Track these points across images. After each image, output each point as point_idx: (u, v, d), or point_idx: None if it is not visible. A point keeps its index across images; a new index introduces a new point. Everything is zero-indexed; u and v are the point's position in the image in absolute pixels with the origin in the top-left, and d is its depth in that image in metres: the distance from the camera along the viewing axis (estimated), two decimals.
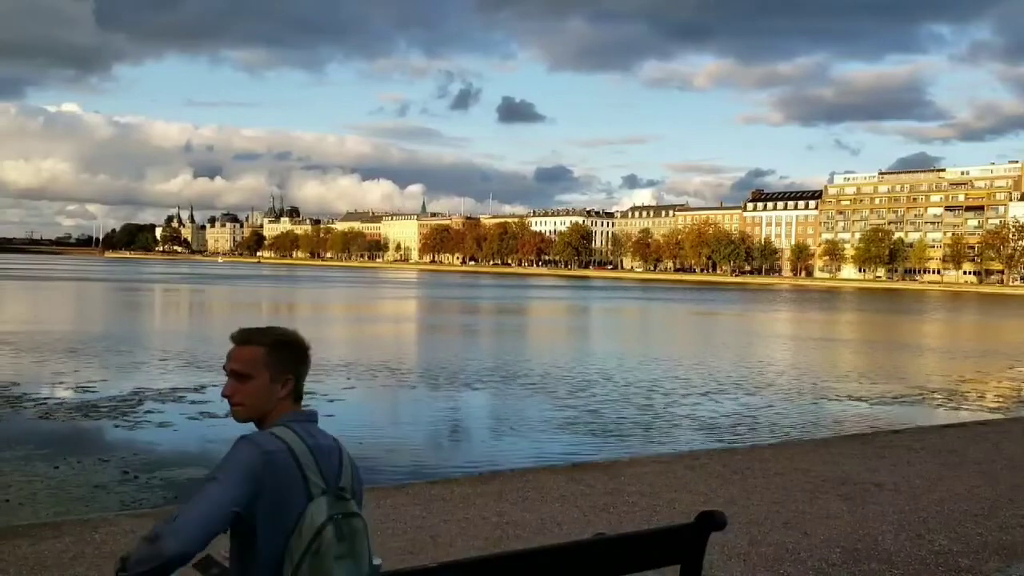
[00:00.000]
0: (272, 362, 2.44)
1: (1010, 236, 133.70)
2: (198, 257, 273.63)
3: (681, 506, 7.34)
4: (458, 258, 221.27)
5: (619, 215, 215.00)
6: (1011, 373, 24.01)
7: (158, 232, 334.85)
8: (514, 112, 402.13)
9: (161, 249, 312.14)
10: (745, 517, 7.00)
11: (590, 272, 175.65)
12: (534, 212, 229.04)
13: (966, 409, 17.02)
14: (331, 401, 15.65)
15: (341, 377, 18.82)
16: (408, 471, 10.14)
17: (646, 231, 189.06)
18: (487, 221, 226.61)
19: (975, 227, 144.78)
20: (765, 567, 5.77)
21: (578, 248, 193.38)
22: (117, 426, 12.89)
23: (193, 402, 15.18)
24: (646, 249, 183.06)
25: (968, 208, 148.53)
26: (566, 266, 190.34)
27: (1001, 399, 19.00)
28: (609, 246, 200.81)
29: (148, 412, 14.13)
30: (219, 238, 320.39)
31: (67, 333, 28.55)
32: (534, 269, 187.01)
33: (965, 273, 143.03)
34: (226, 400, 2.45)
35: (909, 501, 7.60)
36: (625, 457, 10.18)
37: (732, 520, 7.00)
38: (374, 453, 11.51)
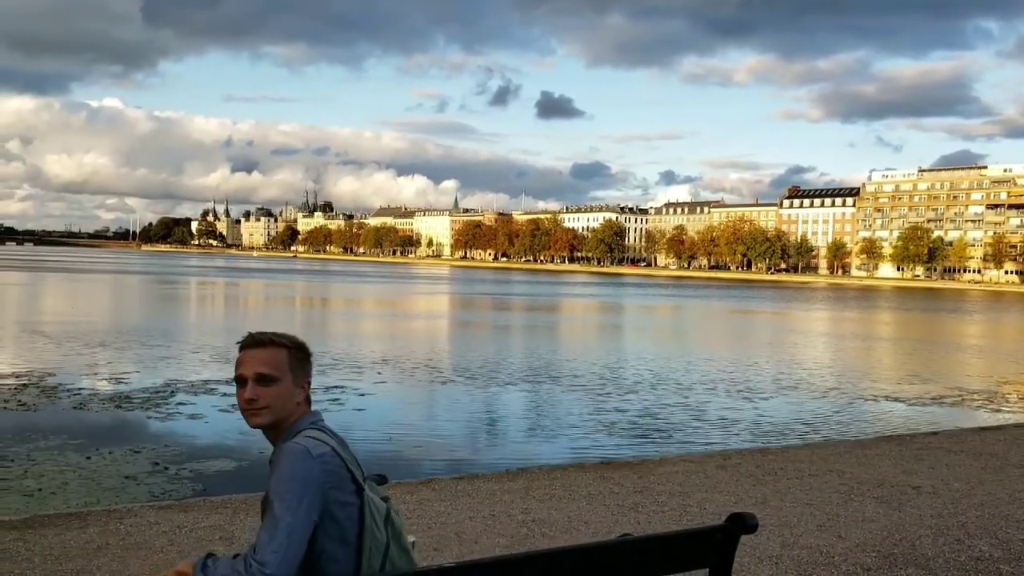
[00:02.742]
0: (294, 364, 2.44)
1: None
2: (233, 251, 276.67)
3: (712, 507, 7.20)
4: (490, 254, 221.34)
5: (653, 212, 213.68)
6: None
7: (194, 226, 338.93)
8: (553, 108, 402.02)
9: (197, 243, 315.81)
10: (777, 519, 6.84)
11: (623, 269, 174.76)
12: (567, 208, 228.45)
13: (1007, 411, 16.60)
14: (362, 395, 15.69)
15: (373, 372, 18.85)
16: (434, 466, 10.09)
17: (680, 228, 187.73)
18: (519, 217, 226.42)
19: (1017, 226, 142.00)
20: (797, 571, 5.61)
21: (611, 245, 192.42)
22: (149, 417, 12.98)
23: (225, 395, 15.24)
24: (680, 246, 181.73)
25: (1011, 206, 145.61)
26: (599, 263, 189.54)
27: None
28: (642, 243, 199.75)
29: (180, 404, 14.24)
30: (253, 232, 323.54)
31: (102, 325, 28.92)
32: (566, 266, 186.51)
33: (1006, 273, 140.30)
34: (247, 405, 2.39)
35: (948, 505, 7.38)
36: (655, 456, 10.03)
37: (764, 522, 6.85)
38: (402, 447, 11.49)
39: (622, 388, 17.53)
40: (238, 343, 2.47)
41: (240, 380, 2.40)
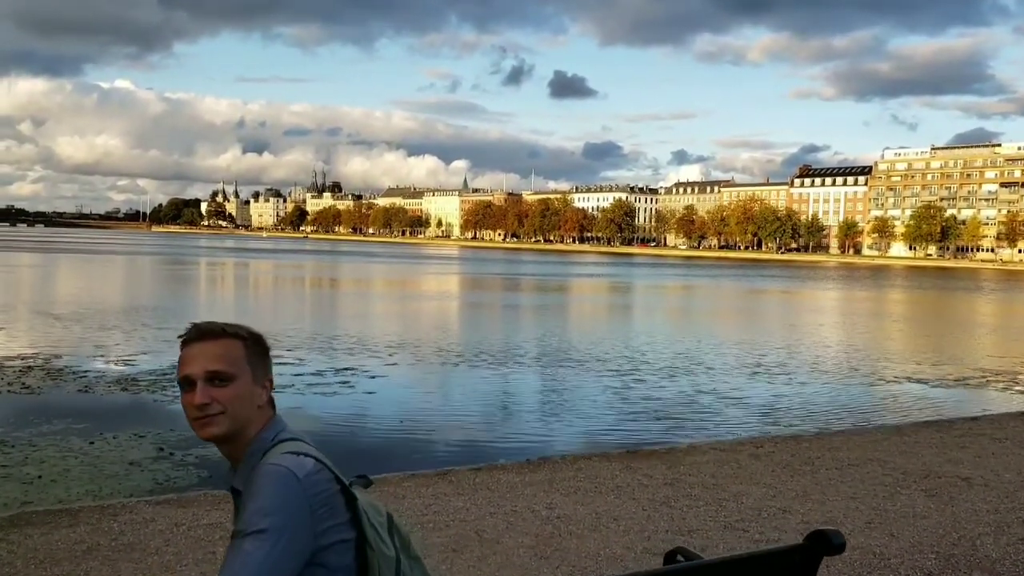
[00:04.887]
0: (253, 359, 1.95)
1: None
2: (242, 232, 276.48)
3: (749, 500, 6.70)
4: (499, 235, 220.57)
5: (663, 191, 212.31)
6: None
7: (203, 207, 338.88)
8: (566, 87, 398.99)
9: (206, 224, 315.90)
10: (821, 515, 6.34)
11: (633, 249, 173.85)
12: (576, 188, 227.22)
13: None
14: (373, 378, 15.28)
15: (385, 353, 18.42)
16: (450, 454, 9.60)
17: (690, 208, 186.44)
18: (529, 197, 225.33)
19: None
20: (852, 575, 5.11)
21: (621, 225, 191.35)
22: (156, 401, 12.63)
23: None
24: (690, 226, 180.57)
25: None
26: (609, 243, 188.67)
27: None
28: (652, 223, 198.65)
29: None
30: (263, 213, 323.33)
31: (111, 307, 28.55)
32: (576, 246, 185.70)
33: (1020, 251, 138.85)
34: (199, 411, 1.89)
35: (1004, 499, 6.86)
36: (683, 443, 9.50)
37: (807, 519, 6.35)
38: (416, 435, 11.03)
39: (641, 370, 17.02)
40: (180, 337, 1.96)
41: (186, 382, 1.90)
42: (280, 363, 16.63)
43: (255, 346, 1.97)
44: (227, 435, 1.91)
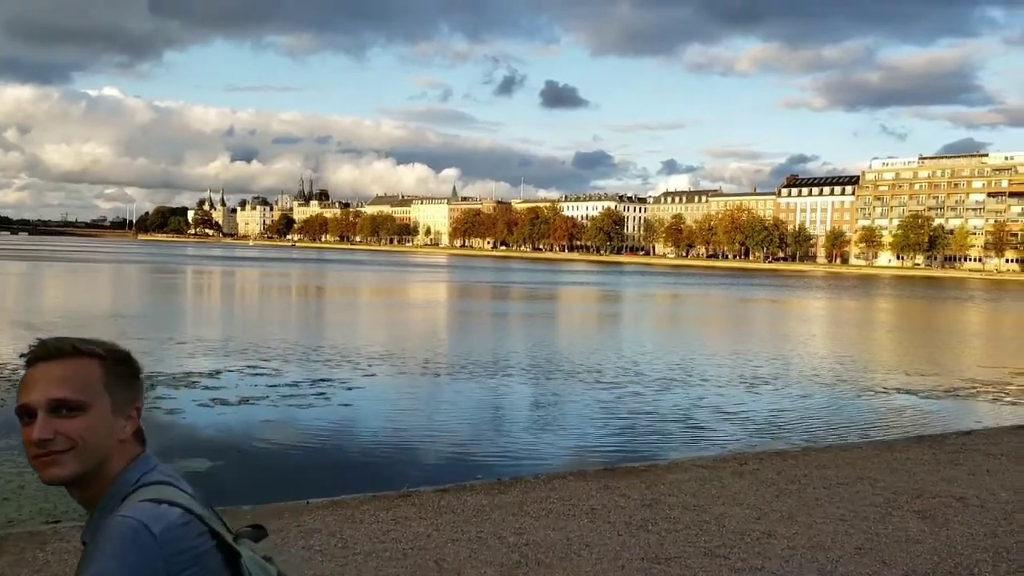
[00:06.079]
0: (113, 383, 1.54)
1: None
2: (229, 240, 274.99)
3: (732, 523, 6.29)
4: (489, 243, 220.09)
5: (652, 200, 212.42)
6: None
7: (190, 215, 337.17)
8: (557, 97, 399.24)
9: (193, 232, 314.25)
10: (808, 539, 5.93)
11: (622, 258, 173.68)
12: (566, 197, 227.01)
13: None
14: (350, 390, 14.87)
15: (365, 364, 17.98)
16: (420, 474, 9.12)
17: (679, 217, 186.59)
18: (519, 206, 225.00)
19: (1019, 214, 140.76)
20: None
21: (610, 233, 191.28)
22: None
23: (207, 387, 14.56)
24: (678, 235, 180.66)
25: (1012, 194, 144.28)
26: (598, 251, 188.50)
27: None
28: (641, 232, 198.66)
29: (158, 398, 13.53)
30: (249, 221, 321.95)
31: (89, 315, 27.97)
32: (565, 254, 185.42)
33: (1008, 261, 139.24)
34: (38, 448, 1.47)
35: (1001, 521, 6.47)
36: (664, 460, 9.06)
37: (794, 543, 5.93)
38: (386, 451, 10.60)
39: (629, 381, 16.62)
40: (23, 355, 1.54)
41: (25, 412, 1.49)
42: (256, 374, 16.17)
43: (117, 367, 1.56)
44: (76, 477, 1.50)
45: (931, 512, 6.66)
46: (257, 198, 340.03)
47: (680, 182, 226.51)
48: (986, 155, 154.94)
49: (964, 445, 9.63)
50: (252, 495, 8.24)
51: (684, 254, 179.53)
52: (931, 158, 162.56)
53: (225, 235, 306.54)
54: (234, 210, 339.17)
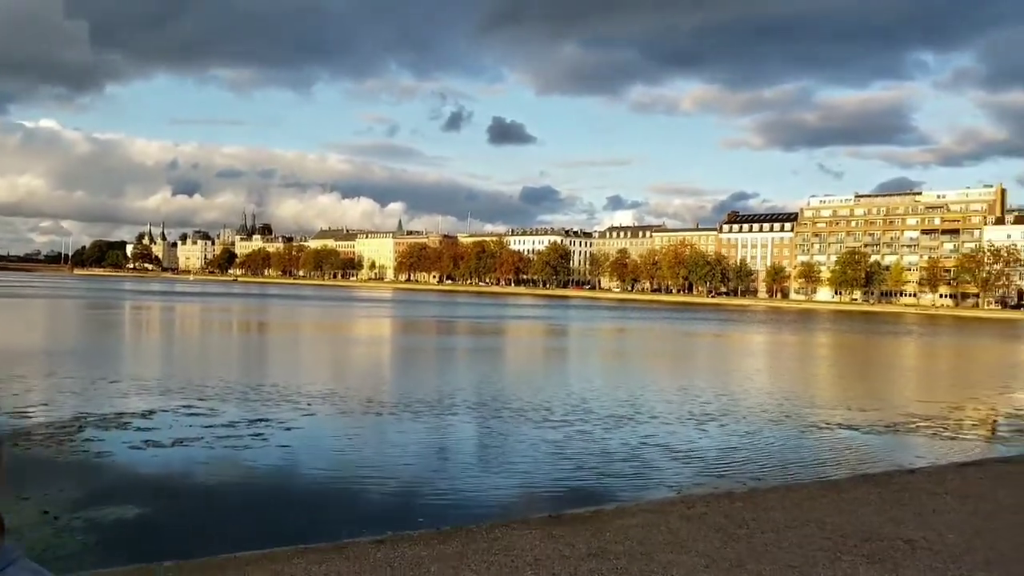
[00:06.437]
0: None
1: (985, 260, 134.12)
2: (168, 275, 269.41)
3: (680, 572, 6.08)
4: (434, 277, 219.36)
5: (597, 235, 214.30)
6: (1003, 399, 22.98)
7: (129, 249, 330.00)
8: (505, 133, 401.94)
9: (131, 267, 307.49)
10: None
11: (568, 292, 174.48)
12: (512, 231, 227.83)
13: (967, 440, 15.91)
14: (288, 430, 14.46)
15: (303, 402, 17.51)
16: (357, 521, 8.74)
17: (624, 251, 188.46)
18: (465, 240, 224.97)
19: (951, 250, 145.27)
20: None
21: (556, 267, 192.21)
22: (49, 457, 11.69)
23: (139, 428, 14.06)
24: (624, 269, 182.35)
25: (944, 231, 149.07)
26: (544, 285, 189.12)
27: (1007, 429, 17.87)
28: (587, 266, 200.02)
29: (87, 440, 13.03)
30: (190, 255, 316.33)
31: (13, 352, 26.92)
32: (511, 288, 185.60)
33: (941, 296, 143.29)
34: None
35: (951, 564, 6.37)
36: (610, 505, 8.83)
37: None
38: (322, 497, 10.19)
39: (573, 419, 16.41)
40: None
41: None
42: (192, 414, 15.62)
43: None
44: None
45: (880, 556, 6.54)
46: (199, 232, 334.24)
47: (625, 217, 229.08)
48: (919, 193, 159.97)
49: (909, 484, 9.60)
50: (179, 547, 7.81)
51: (629, 288, 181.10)
52: (867, 196, 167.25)
53: (165, 270, 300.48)
54: (175, 244, 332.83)
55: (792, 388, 24.42)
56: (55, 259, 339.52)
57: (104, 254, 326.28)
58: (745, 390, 22.92)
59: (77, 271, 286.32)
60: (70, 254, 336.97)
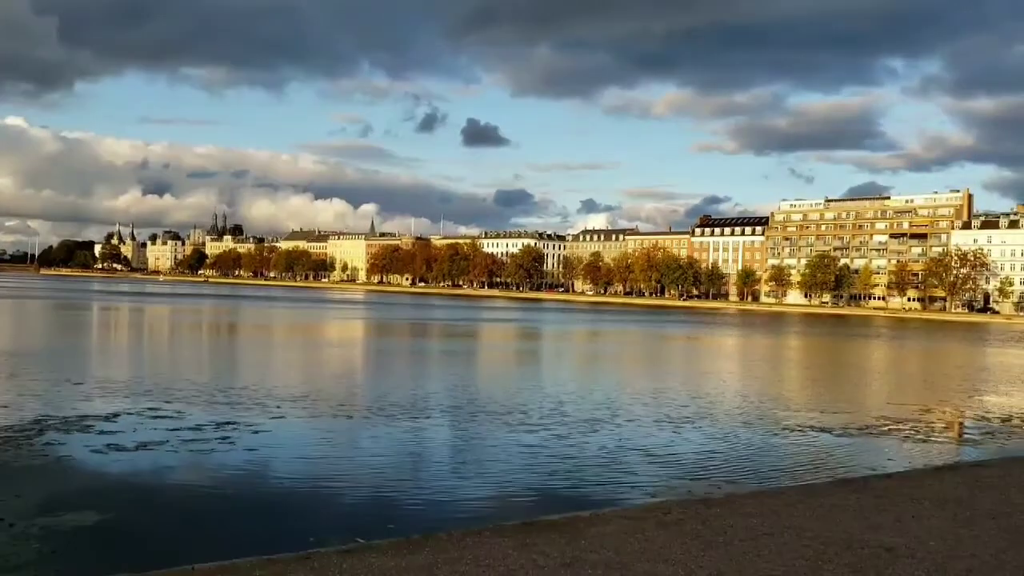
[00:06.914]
0: None
1: (952, 263, 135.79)
2: (138, 275, 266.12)
3: None
4: (407, 279, 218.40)
5: (571, 238, 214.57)
6: (973, 402, 23.09)
7: (97, 249, 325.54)
8: (479, 135, 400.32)
9: (100, 267, 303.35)
10: None
11: (542, 295, 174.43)
12: (486, 234, 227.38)
13: (940, 443, 15.92)
14: (256, 433, 14.17)
15: (272, 405, 17.19)
16: (324, 530, 8.46)
17: (597, 254, 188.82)
18: (438, 242, 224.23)
19: (919, 254, 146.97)
20: None
21: (530, 270, 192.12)
22: (6, 462, 11.40)
23: (102, 432, 13.77)
24: (597, 272, 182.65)
25: (912, 236, 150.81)
26: (517, 288, 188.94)
27: (977, 432, 17.88)
28: (560, 269, 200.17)
29: (47, 444, 12.71)
30: (160, 256, 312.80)
31: None
32: (485, 291, 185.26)
33: (909, 299, 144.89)
34: None
35: (933, 573, 6.23)
36: (585, 512, 8.60)
37: None
38: (288, 504, 9.90)
39: (549, 422, 16.21)
40: None
41: None
42: (157, 416, 15.29)
43: None
44: None
45: (862, 565, 6.39)
46: (169, 232, 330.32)
47: (599, 221, 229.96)
48: (888, 198, 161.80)
49: (887, 489, 9.49)
50: (135, 556, 7.53)
51: (603, 291, 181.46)
52: (836, 200, 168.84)
53: (134, 270, 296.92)
54: (144, 244, 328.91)
55: (765, 391, 24.39)
56: (21, 259, 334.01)
57: (72, 254, 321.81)
58: (720, 393, 22.86)
59: (44, 271, 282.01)
60: (37, 254, 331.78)
